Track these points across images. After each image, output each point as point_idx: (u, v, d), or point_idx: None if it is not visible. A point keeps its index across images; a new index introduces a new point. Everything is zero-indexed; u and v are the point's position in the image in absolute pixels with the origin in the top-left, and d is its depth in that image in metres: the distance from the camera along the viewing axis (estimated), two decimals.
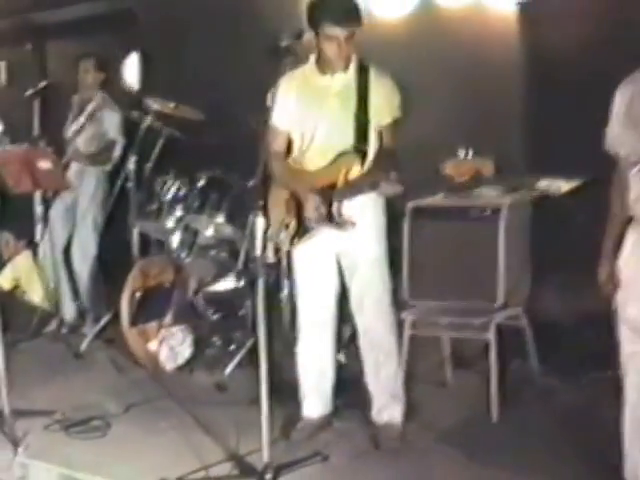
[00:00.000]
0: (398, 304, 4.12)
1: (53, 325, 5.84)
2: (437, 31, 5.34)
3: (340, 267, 3.92)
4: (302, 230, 3.83)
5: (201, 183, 5.15)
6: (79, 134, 5.76)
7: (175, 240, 5.27)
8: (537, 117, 5.05)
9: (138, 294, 5.12)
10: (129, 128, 5.74)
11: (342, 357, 4.51)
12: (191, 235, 5.26)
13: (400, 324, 4.15)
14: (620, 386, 3.04)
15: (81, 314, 6.03)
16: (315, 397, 4.03)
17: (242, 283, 5.05)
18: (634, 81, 2.91)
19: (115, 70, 6.68)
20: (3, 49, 7.77)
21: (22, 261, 6.02)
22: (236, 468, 3.65)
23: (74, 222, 5.93)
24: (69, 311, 6.01)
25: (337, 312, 4.00)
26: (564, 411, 4.06)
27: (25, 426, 4.02)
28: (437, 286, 4.31)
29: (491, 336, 4.10)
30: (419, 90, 4.50)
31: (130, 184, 5.43)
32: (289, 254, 4.05)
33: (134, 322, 5.09)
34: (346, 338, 4.65)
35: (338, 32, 3.63)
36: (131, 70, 7.00)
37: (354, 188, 3.73)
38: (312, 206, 3.75)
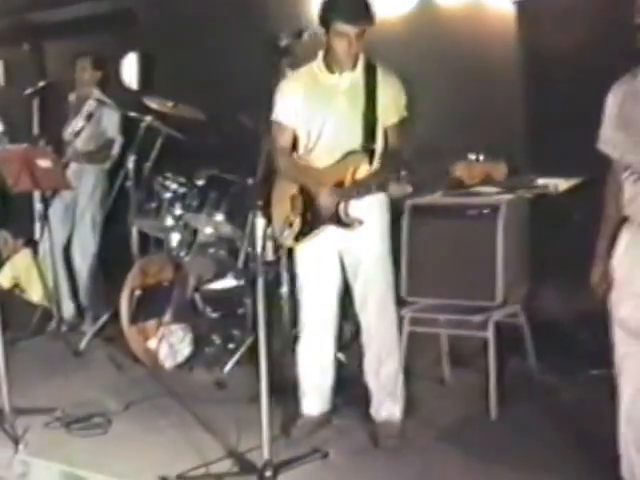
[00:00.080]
0: (397, 301, 4.13)
1: (53, 323, 5.85)
2: (436, 30, 5.36)
3: (343, 265, 3.93)
4: (307, 228, 3.83)
5: (200, 182, 5.17)
6: (78, 136, 5.76)
7: (174, 238, 5.29)
8: (535, 115, 5.06)
9: (137, 292, 5.12)
10: (128, 127, 5.75)
11: (342, 356, 4.52)
12: (190, 233, 5.27)
13: (399, 321, 4.16)
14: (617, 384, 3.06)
15: (80, 312, 6.05)
16: (315, 395, 4.04)
17: (241, 281, 5.07)
18: (626, 83, 2.91)
19: (114, 69, 6.69)
20: (1, 49, 7.77)
21: (21, 260, 6.03)
22: (236, 465, 3.66)
23: (73, 221, 5.95)
24: (68, 309, 6.03)
25: (339, 310, 4.01)
26: (562, 408, 4.08)
27: (25, 424, 4.03)
28: (436, 284, 4.33)
29: (490, 334, 4.11)
30: (417, 88, 4.51)
31: (129, 183, 5.44)
32: (290, 251, 4.06)
33: (134, 320, 5.10)
34: (347, 337, 4.67)
35: (349, 29, 3.64)
36: (129, 70, 7.01)
37: (362, 188, 3.73)
38: (326, 200, 3.74)
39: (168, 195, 5.20)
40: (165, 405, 4.42)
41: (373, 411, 3.97)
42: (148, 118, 5.43)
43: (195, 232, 5.26)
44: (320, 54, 3.82)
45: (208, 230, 5.20)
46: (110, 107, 5.82)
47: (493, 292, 4.20)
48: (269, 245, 3.57)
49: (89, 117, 5.76)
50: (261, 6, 5.97)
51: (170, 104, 5.41)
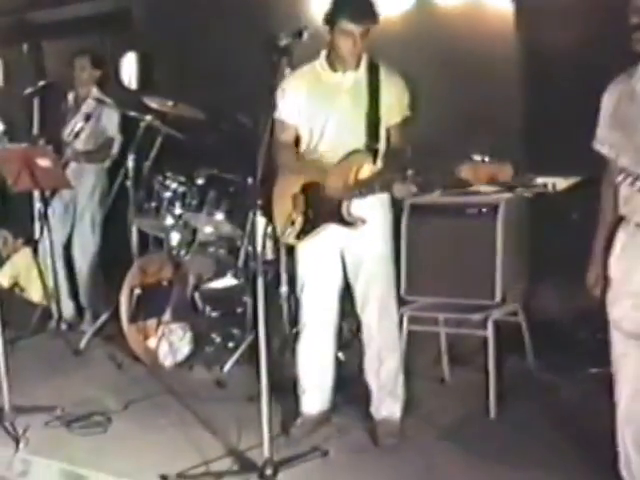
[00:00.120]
0: (396, 300, 4.14)
1: (52, 322, 5.86)
2: (434, 28, 5.36)
3: (344, 263, 3.92)
4: (309, 226, 3.82)
5: (200, 181, 5.17)
6: (77, 136, 5.77)
7: (174, 238, 5.29)
8: (534, 114, 5.07)
9: (137, 291, 5.12)
10: (128, 126, 5.75)
11: (342, 355, 4.52)
12: (190, 233, 5.28)
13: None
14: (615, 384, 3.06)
15: (80, 311, 6.06)
16: (315, 393, 4.03)
17: (241, 280, 5.08)
18: (622, 82, 2.91)
19: (114, 69, 6.70)
20: (0, 49, 7.76)
21: (21, 259, 6.04)
22: (236, 463, 3.67)
23: (73, 220, 5.95)
24: (68, 308, 6.04)
25: (339, 309, 4.00)
26: (561, 407, 4.09)
27: (25, 422, 4.05)
28: (435, 282, 4.34)
29: (489, 332, 4.10)
30: (414, 87, 4.51)
31: (129, 182, 5.43)
32: (290, 250, 4.06)
33: (133, 319, 5.11)
34: (347, 336, 4.67)
35: (354, 28, 3.65)
36: (129, 69, 7.01)
37: (365, 187, 3.70)
38: (336, 182, 3.71)
39: (168, 194, 5.20)
40: (165, 404, 4.43)
41: (373, 410, 3.98)
42: (148, 117, 5.43)
43: (195, 231, 5.27)
44: (323, 52, 3.82)
45: (208, 229, 5.21)
46: (109, 106, 5.82)
47: (492, 291, 4.21)
48: (269, 244, 3.57)
49: (88, 116, 5.76)
50: (261, 6, 5.97)
51: (170, 103, 5.41)
